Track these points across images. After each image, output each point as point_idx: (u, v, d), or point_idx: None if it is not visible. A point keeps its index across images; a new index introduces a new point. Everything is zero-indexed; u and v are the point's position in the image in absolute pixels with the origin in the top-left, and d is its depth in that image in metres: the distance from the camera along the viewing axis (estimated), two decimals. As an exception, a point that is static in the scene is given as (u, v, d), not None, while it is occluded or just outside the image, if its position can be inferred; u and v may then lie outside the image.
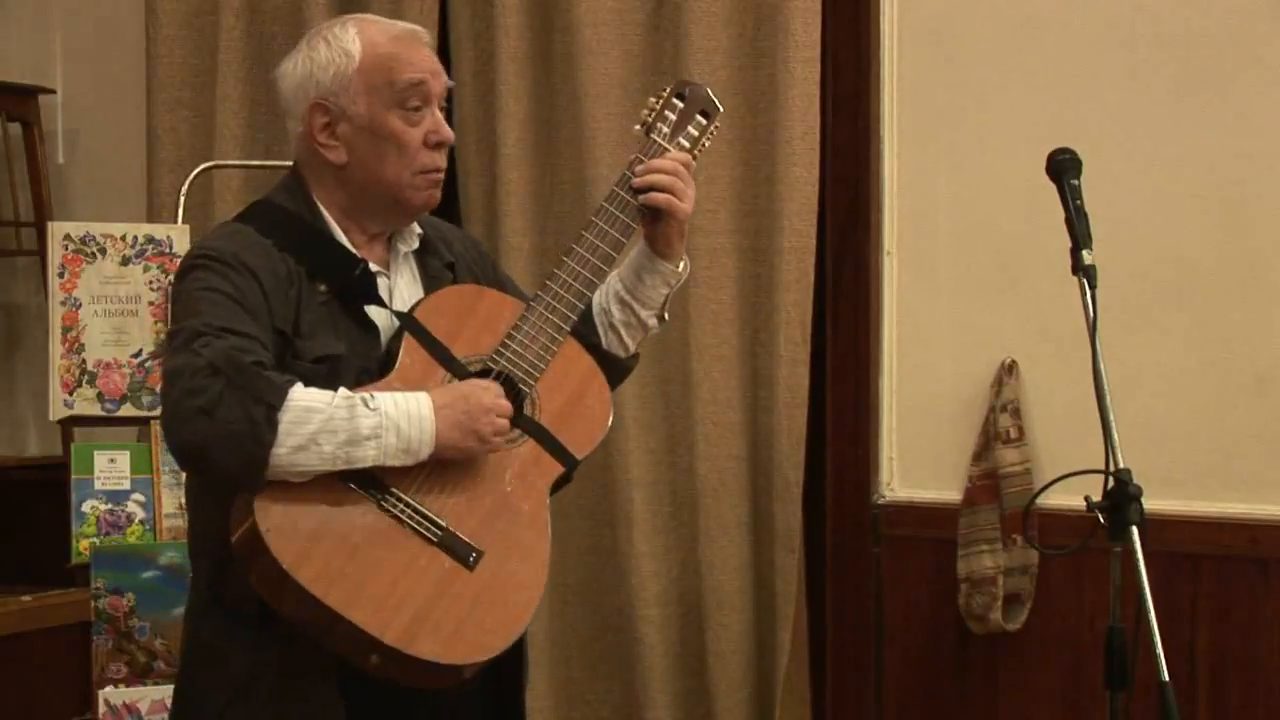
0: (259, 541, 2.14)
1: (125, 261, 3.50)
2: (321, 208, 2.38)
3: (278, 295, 2.27)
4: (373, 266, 2.39)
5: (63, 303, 3.46)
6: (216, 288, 2.24)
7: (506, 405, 2.29)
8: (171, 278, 3.49)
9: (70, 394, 3.45)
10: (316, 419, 2.15)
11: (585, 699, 3.98)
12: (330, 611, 2.14)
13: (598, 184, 3.82)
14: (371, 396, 2.21)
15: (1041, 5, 3.65)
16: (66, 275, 3.46)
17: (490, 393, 2.28)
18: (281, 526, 2.15)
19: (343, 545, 2.18)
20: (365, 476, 2.21)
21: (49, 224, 3.64)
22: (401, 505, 2.23)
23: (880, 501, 3.82)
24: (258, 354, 2.19)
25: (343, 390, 2.20)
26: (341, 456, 2.17)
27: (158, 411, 3.44)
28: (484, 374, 2.34)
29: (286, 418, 2.13)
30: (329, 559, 2.16)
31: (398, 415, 2.20)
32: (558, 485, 2.39)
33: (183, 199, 3.71)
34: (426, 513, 2.24)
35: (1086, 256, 2.60)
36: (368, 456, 2.19)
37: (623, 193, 2.45)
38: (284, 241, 2.32)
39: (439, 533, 2.24)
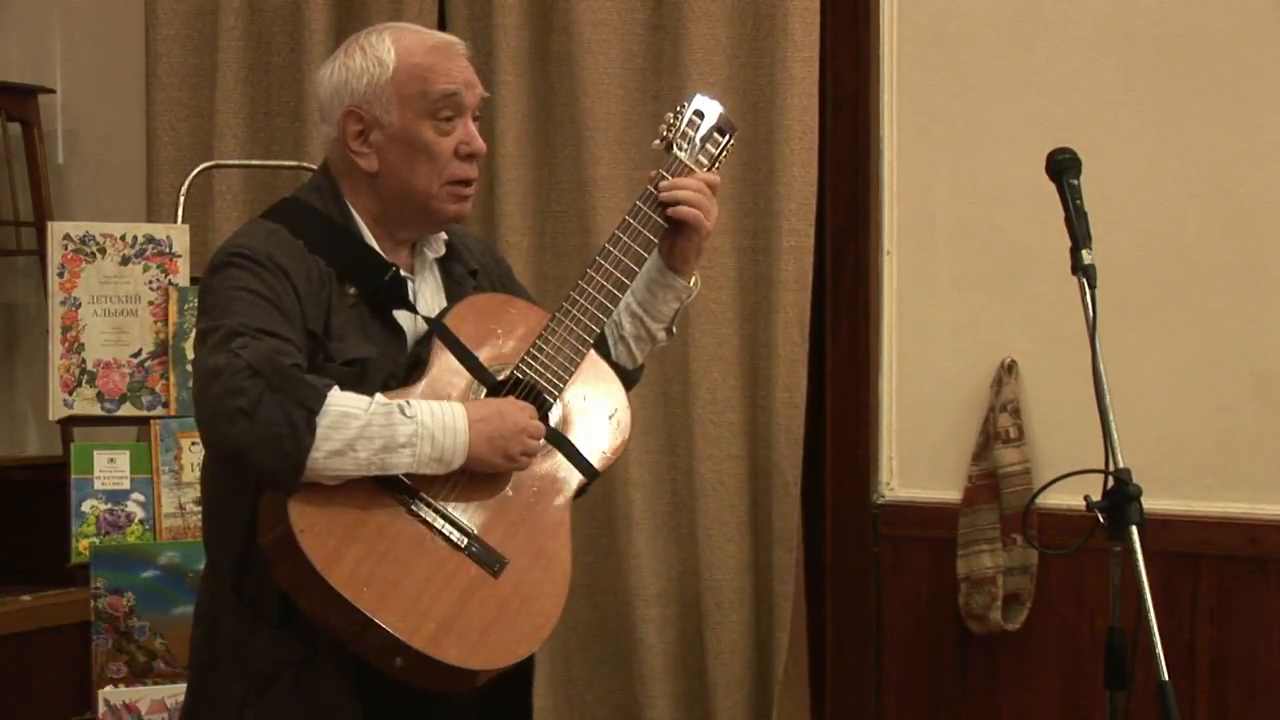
0: (292, 542, 2.16)
1: (125, 261, 3.50)
2: (353, 211, 2.39)
3: (310, 297, 2.29)
4: (400, 271, 2.40)
5: (62, 302, 3.46)
6: (252, 288, 2.25)
7: (539, 427, 2.32)
8: (172, 278, 3.50)
9: (70, 394, 3.45)
10: (354, 425, 2.17)
11: (585, 699, 3.98)
12: (360, 614, 2.16)
13: (596, 184, 3.83)
14: (408, 404, 2.22)
15: (1041, 5, 3.65)
16: (66, 275, 3.46)
17: (525, 414, 2.31)
18: (315, 528, 2.17)
19: (373, 549, 2.20)
20: (396, 481, 2.23)
21: (49, 224, 3.64)
22: (430, 511, 2.25)
23: (880, 501, 3.82)
24: (294, 357, 2.20)
25: (379, 396, 2.22)
26: (377, 463, 2.19)
27: (158, 411, 3.47)
28: (510, 383, 2.36)
29: (325, 422, 2.15)
30: (360, 562, 2.18)
31: (433, 425, 2.22)
32: (576, 495, 2.41)
33: (182, 199, 3.71)
34: (455, 519, 2.26)
35: (1086, 256, 2.61)
36: (401, 464, 2.21)
37: (646, 208, 2.47)
38: (315, 243, 2.33)
39: (466, 539, 2.26)
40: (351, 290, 2.33)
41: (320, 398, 2.15)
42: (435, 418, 2.23)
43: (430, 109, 2.35)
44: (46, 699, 3.88)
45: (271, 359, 2.16)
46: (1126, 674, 2.51)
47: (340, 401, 2.17)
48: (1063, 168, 2.69)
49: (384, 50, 2.36)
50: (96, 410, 3.48)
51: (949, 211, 3.75)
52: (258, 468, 2.15)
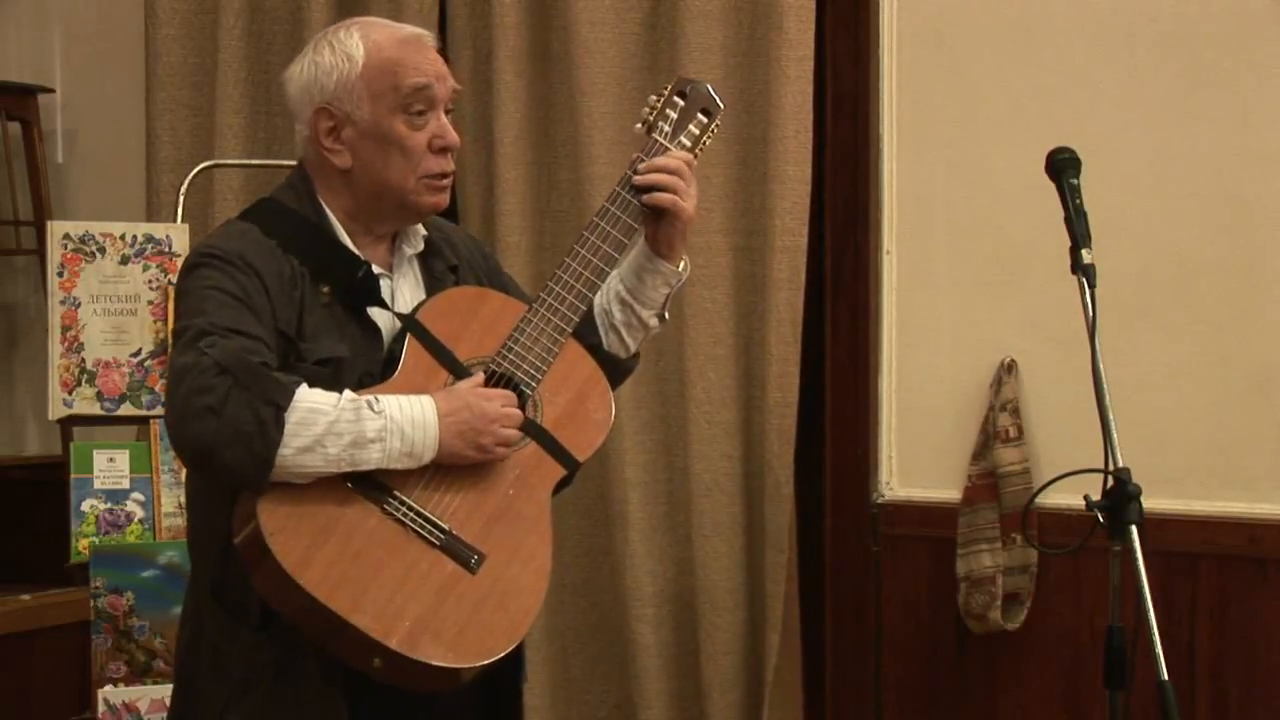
0: (263, 545, 2.15)
1: (124, 261, 3.50)
2: (327, 209, 2.38)
3: (281, 296, 2.28)
4: (376, 269, 2.38)
5: (62, 302, 3.46)
6: (222, 287, 2.24)
7: (516, 414, 2.30)
8: (171, 277, 3.50)
9: (69, 393, 3.45)
10: (323, 421, 2.16)
11: (583, 698, 3.98)
12: (334, 615, 2.15)
13: (596, 182, 3.83)
14: (376, 399, 2.21)
15: (1041, 5, 3.65)
16: (66, 274, 3.46)
17: (497, 402, 2.28)
18: (285, 529, 2.16)
19: (346, 549, 2.18)
20: (368, 479, 2.22)
21: (48, 223, 3.64)
22: (404, 509, 2.23)
23: (879, 501, 3.82)
24: (263, 355, 2.20)
25: (348, 393, 2.21)
26: (346, 459, 2.18)
27: (157, 411, 3.47)
28: (486, 376, 2.34)
29: (293, 419, 2.14)
30: (332, 563, 2.17)
31: (402, 419, 2.21)
32: (559, 487, 2.38)
33: (182, 198, 3.71)
34: (429, 516, 2.24)
35: (1086, 255, 2.61)
36: (372, 459, 2.20)
37: (625, 193, 2.44)
38: (288, 242, 2.32)
39: (442, 536, 2.24)
40: (325, 289, 2.32)
41: (288, 394, 2.15)
42: (404, 412, 2.21)
43: (401, 103, 2.34)
44: (46, 698, 3.89)
45: (239, 357, 2.15)
46: (1126, 674, 2.52)
47: (308, 398, 2.16)
48: (1062, 167, 2.69)
49: (352, 45, 2.35)
50: (96, 410, 3.48)
51: (949, 211, 3.75)
52: (226, 466, 2.14)
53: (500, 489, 2.30)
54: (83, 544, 3.38)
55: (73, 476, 3.42)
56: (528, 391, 2.35)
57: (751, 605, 3.83)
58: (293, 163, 3.88)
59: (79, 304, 3.47)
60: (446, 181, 2.39)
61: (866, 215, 3.85)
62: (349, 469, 2.19)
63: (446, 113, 2.39)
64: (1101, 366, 2.56)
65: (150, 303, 3.50)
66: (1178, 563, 3.46)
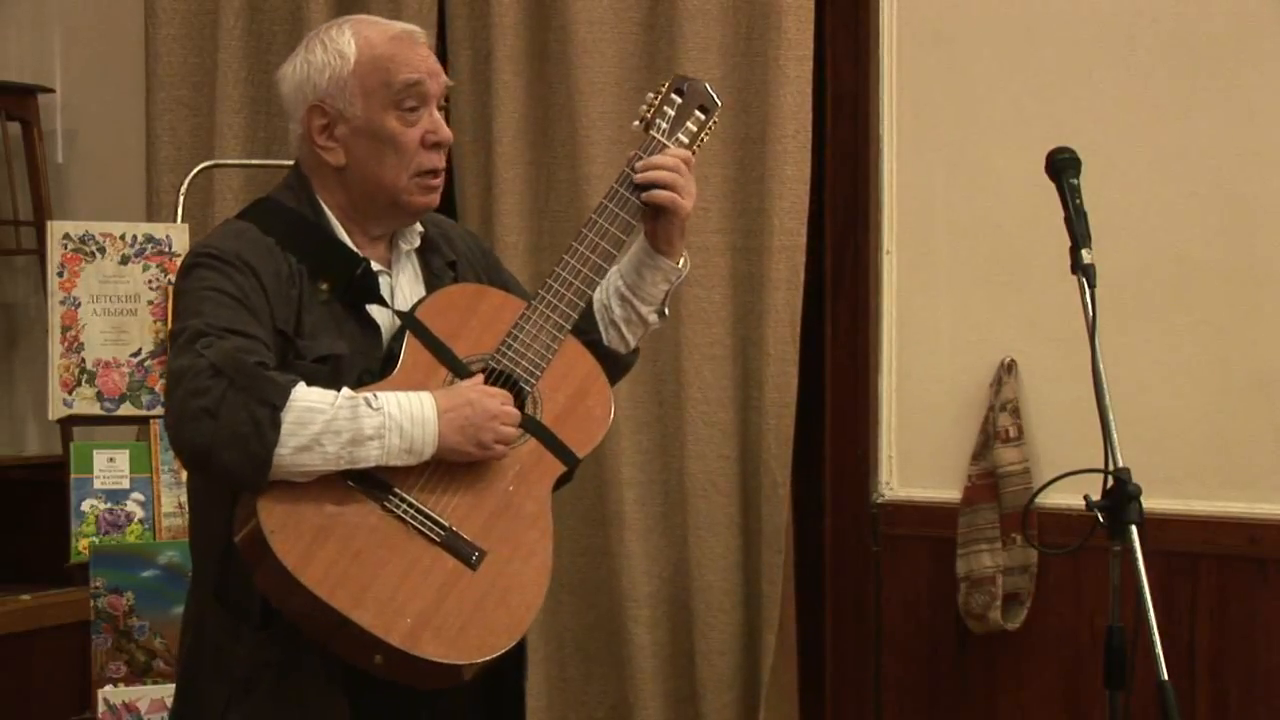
0: (263, 543, 2.15)
1: (124, 260, 3.50)
2: (324, 207, 2.38)
3: (279, 295, 2.28)
4: (374, 265, 2.39)
5: (62, 302, 3.46)
6: (219, 287, 2.24)
7: (514, 413, 2.29)
8: (171, 277, 3.50)
9: (69, 393, 3.45)
10: (320, 419, 2.15)
11: (580, 699, 3.98)
12: (335, 613, 2.15)
13: (593, 182, 3.83)
14: (375, 396, 2.21)
15: (1041, 5, 3.65)
16: (66, 274, 3.46)
17: (496, 399, 2.28)
18: (285, 528, 2.16)
19: (347, 547, 2.19)
20: (368, 477, 2.22)
21: (48, 223, 3.64)
22: (404, 506, 2.23)
23: (879, 501, 3.82)
24: (260, 354, 2.19)
25: (345, 390, 2.21)
26: (345, 456, 2.18)
27: (157, 411, 3.47)
28: (485, 373, 2.34)
29: (289, 418, 2.14)
30: (333, 560, 2.17)
31: (401, 416, 2.21)
32: (559, 484, 2.38)
33: (182, 198, 3.71)
34: (430, 513, 2.24)
35: (1086, 255, 2.61)
36: (370, 457, 2.19)
37: (623, 190, 2.44)
38: (286, 240, 2.32)
39: (442, 533, 2.24)
40: (324, 286, 2.32)
41: (284, 394, 2.14)
42: (403, 409, 2.21)
43: (394, 99, 2.34)
44: (46, 699, 3.89)
45: (235, 358, 2.15)
46: (1126, 674, 2.52)
47: (305, 397, 2.16)
48: (1062, 167, 2.69)
49: (344, 43, 2.35)
50: (96, 410, 3.48)
51: (949, 211, 3.75)
52: (224, 467, 2.14)
53: (500, 486, 2.31)
54: (83, 544, 3.38)
55: (73, 476, 3.42)
56: (527, 388, 2.35)
57: (748, 606, 3.83)
58: (291, 163, 3.89)
59: (79, 304, 3.47)
60: (438, 180, 2.40)
61: (866, 215, 3.85)
62: (348, 467, 2.19)
63: (439, 109, 2.39)
64: (1101, 366, 2.56)
65: (150, 303, 3.50)
66: (1178, 563, 3.46)
